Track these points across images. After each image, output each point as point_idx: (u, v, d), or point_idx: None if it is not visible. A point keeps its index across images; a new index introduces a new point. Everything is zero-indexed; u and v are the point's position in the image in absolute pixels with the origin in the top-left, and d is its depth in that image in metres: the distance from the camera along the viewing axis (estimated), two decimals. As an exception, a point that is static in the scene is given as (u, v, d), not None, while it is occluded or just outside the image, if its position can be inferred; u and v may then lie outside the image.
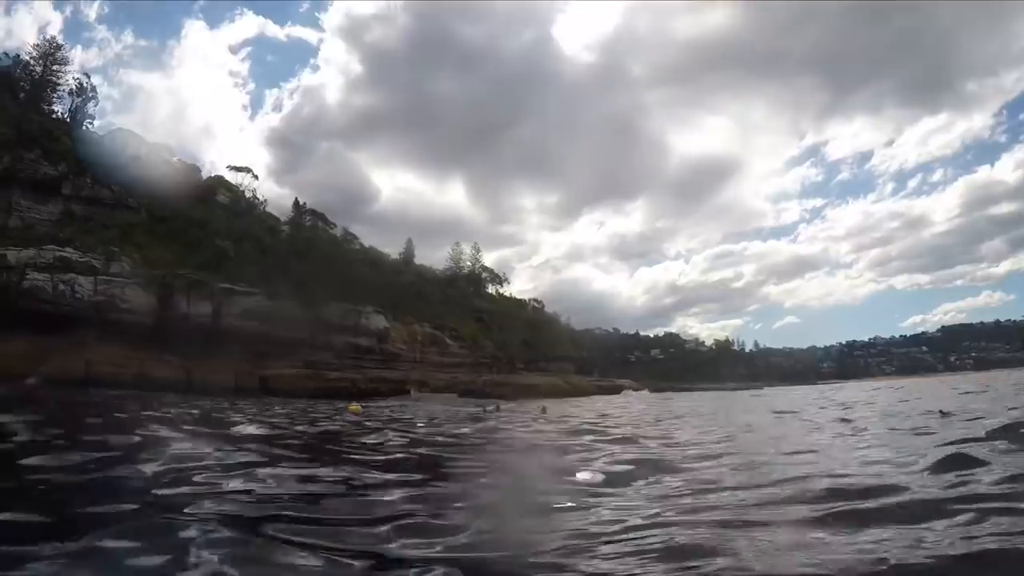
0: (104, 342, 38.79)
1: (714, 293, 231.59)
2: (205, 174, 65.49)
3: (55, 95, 57.02)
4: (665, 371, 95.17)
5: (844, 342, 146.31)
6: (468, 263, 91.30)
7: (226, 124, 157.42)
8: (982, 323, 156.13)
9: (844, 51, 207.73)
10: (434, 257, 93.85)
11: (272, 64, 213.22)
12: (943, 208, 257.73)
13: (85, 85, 59.76)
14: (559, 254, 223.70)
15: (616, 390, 73.65)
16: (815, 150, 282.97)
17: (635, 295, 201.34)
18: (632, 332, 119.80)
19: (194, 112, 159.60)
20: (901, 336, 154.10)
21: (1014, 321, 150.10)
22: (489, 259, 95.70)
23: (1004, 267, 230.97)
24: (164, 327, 43.75)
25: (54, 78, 56.43)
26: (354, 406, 22.18)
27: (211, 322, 47.72)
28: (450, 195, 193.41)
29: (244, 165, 69.27)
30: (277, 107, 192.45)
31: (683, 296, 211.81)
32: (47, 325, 36.10)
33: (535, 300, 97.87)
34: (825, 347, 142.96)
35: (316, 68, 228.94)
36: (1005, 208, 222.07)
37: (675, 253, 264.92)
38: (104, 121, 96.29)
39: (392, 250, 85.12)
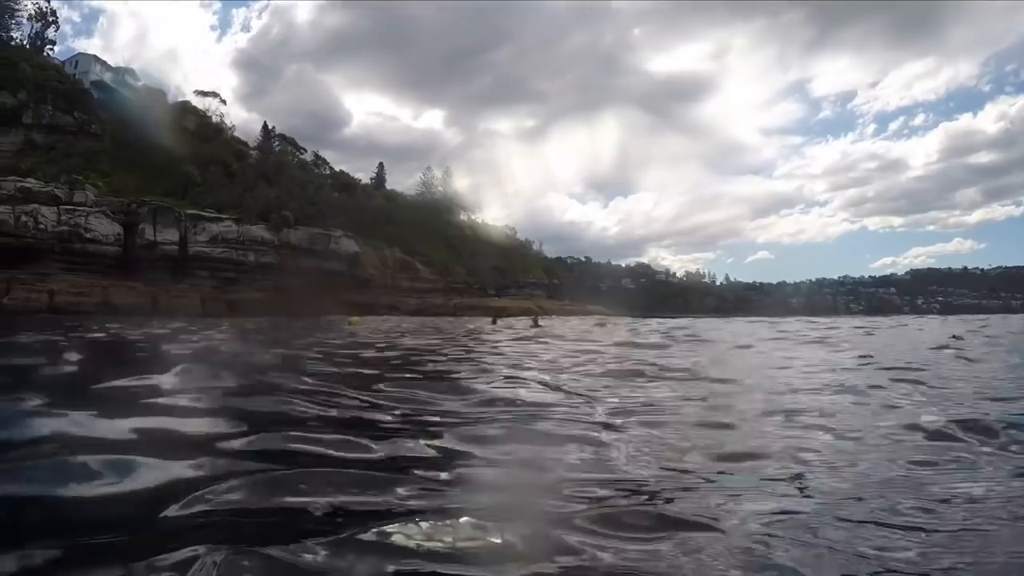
0: (69, 272, 39.99)
1: (687, 226, 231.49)
2: (171, 99, 64.77)
3: (13, 21, 55.34)
4: (635, 300, 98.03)
5: (814, 279, 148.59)
6: (440, 188, 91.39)
7: (192, 46, 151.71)
8: (950, 269, 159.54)
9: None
10: (406, 183, 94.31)
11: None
12: (922, 153, 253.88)
13: (44, 9, 57.98)
14: (534, 182, 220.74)
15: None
16: (798, 86, 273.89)
17: (608, 225, 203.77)
18: (604, 261, 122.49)
19: (159, 35, 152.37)
20: (871, 276, 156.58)
21: (982, 269, 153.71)
22: (462, 185, 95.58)
23: (976, 216, 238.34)
24: (130, 255, 44.86)
25: (11, 3, 54.61)
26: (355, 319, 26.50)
27: (178, 249, 48.85)
28: (423, 120, 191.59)
29: (211, 89, 69.02)
30: (245, 27, 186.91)
31: (656, 228, 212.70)
32: (10, 258, 36.58)
33: (508, 226, 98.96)
34: (795, 283, 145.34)
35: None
36: (984, 158, 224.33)
37: (650, 185, 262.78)
38: (64, 46, 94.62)
39: (363, 175, 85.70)
